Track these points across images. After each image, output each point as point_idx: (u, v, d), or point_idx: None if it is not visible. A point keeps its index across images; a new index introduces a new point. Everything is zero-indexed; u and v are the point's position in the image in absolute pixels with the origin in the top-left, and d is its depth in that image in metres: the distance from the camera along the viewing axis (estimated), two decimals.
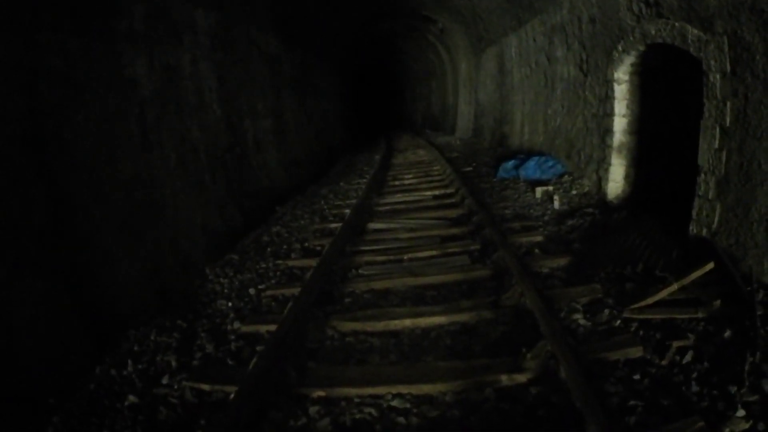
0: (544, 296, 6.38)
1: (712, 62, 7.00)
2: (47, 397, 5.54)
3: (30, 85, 6.29)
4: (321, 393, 5.23)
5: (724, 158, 6.94)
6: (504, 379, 5.17)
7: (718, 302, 6.01)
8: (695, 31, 7.30)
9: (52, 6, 6.69)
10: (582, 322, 6.11)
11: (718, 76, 6.91)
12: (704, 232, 7.16)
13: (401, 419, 4.88)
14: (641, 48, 9.34)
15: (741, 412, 4.54)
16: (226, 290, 8.18)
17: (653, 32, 8.50)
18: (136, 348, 6.48)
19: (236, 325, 6.79)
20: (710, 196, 7.18)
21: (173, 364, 6.02)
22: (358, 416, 4.96)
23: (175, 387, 5.59)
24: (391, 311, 6.79)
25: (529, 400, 4.95)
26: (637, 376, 5.12)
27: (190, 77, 10.57)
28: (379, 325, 6.48)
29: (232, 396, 5.03)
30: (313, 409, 5.06)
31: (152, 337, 6.70)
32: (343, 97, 30.46)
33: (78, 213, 6.80)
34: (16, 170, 5.95)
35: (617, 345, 5.51)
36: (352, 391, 5.25)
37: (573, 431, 4.45)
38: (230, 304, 7.58)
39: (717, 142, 7.04)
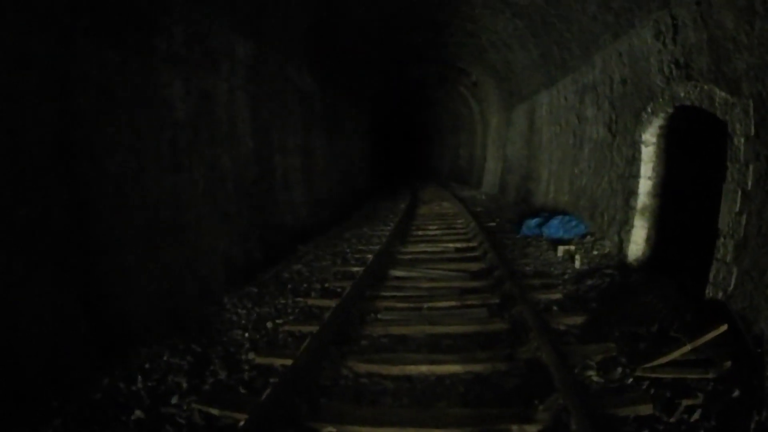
0: (559, 351, 6.41)
1: (737, 125, 7.07)
2: (50, 399, 5.65)
3: (63, 90, 6.36)
4: (331, 429, 5.30)
5: (743, 222, 6.99)
6: (515, 429, 5.22)
7: (728, 363, 6.06)
8: (722, 94, 7.38)
9: (91, 12, 6.77)
10: (595, 378, 6.17)
11: (742, 140, 6.98)
12: (720, 294, 7.19)
13: None
14: (669, 110, 9.43)
15: None
16: (243, 321, 8.28)
17: (682, 94, 8.60)
18: (147, 365, 6.58)
19: (251, 355, 6.86)
20: (728, 260, 7.22)
21: (184, 385, 6.14)
22: None
23: (184, 408, 5.69)
24: (407, 356, 6.83)
25: None
26: None
27: (225, 106, 10.63)
28: (395, 369, 6.52)
29: (242, 423, 5.10)
30: None
31: (164, 357, 6.82)
32: (370, 141, 30.35)
33: (99, 223, 6.89)
34: (40, 174, 6.02)
35: (628, 401, 5.56)
36: (363, 430, 5.31)
37: None
38: (246, 335, 7.66)
39: (738, 205, 7.10)
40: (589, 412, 5.14)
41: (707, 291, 7.48)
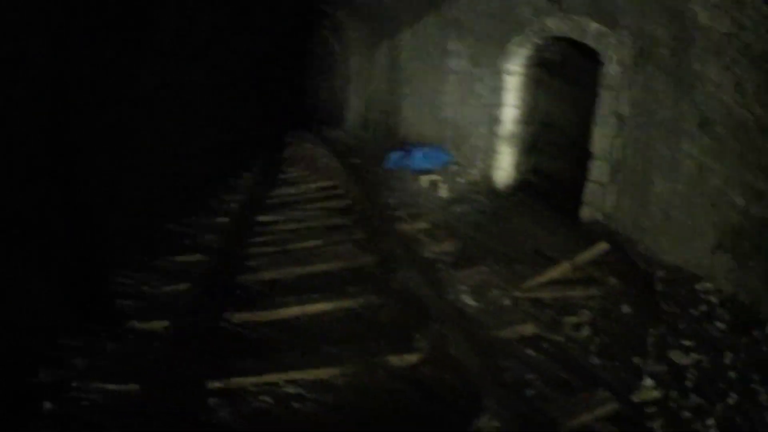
0: (429, 279, 6.30)
1: (613, 55, 7.12)
2: None
3: (57, 87, 6.16)
4: (218, 384, 5.04)
5: (618, 145, 7.07)
6: (395, 360, 5.06)
7: (614, 280, 6.02)
8: (596, 25, 7.40)
9: (86, 10, 6.56)
10: (470, 302, 6.00)
11: (617, 68, 7.05)
12: (598, 215, 7.18)
13: (297, 405, 4.77)
14: (538, 41, 9.38)
15: (649, 382, 4.55)
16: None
17: (552, 26, 8.55)
18: None
19: (133, 323, 6.44)
20: (604, 181, 7.24)
21: None
22: (255, 405, 4.84)
23: None
24: (279, 300, 6.60)
25: (422, 379, 4.86)
26: (532, 352, 5.06)
27: None
28: (269, 315, 6.30)
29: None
30: (212, 401, 4.89)
31: None
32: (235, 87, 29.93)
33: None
34: (34, 169, 5.92)
35: (508, 323, 5.47)
36: (248, 381, 5.09)
37: (469, 407, 4.32)
38: (130, 302, 7.29)
39: (611, 129, 7.17)
40: (467, 336, 5.04)
41: (583, 212, 7.47)
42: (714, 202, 5.95)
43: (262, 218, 10.27)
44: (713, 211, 5.97)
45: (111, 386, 5.14)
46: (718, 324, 5.43)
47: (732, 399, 4.36)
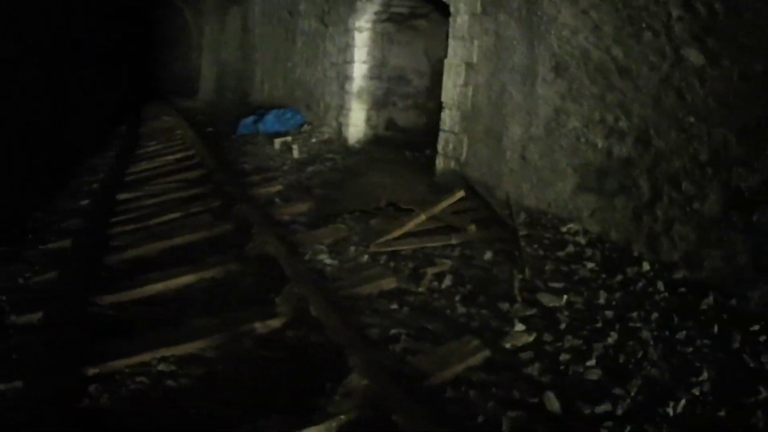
0: (286, 241, 6.33)
1: (461, 5, 7.22)
2: None
3: None
4: (95, 370, 4.89)
5: (470, 93, 7.16)
6: (259, 327, 5.05)
7: (473, 227, 6.08)
8: None
9: None
10: (328, 261, 6.06)
11: (466, 17, 7.13)
12: (452, 164, 7.24)
13: (171, 382, 4.71)
14: None
15: (520, 327, 4.59)
16: None
17: None
18: None
19: (12, 318, 6.25)
20: (456, 130, 7.30)
21: None
22: (132, 386, 4.73)
23: None
24: (143, 278, 6.47)
25: (288, 343, 4.86)
26: (395, 306, 5.09)
27: None
28: (135, 293, 6.17)
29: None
30: (91, 388, 4.71)
31: None
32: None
33: None
34: None
35: (368, 279, 5.49)
36: (122, 363, 4.96)
37: (336, 366, 4.35)
38: (4, 297, 7.14)
39: (462, 78, 7.25)
40: (327, 296, 5.07)
41: (438, 162, 7.52)
42: (573, 144, 6.07)
43: (122, 196, 10.13)
44: (573, 154, 6.08)
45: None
46: (589, 264, 5.54)
47: (612, 338, 4.42)
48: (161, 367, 4.90)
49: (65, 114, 12.85)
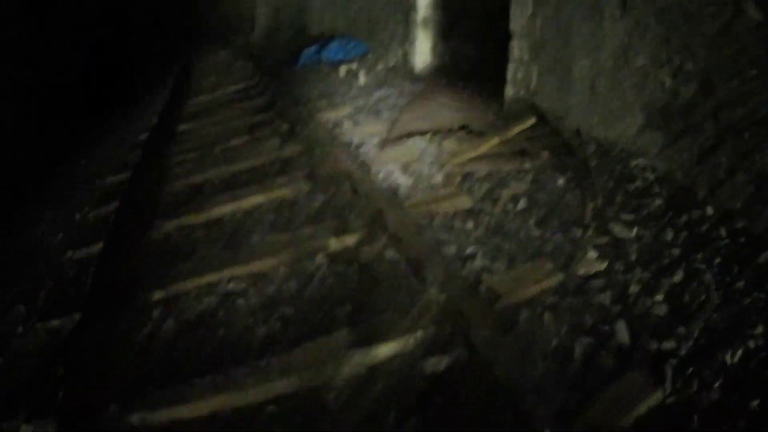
0: (358, 161, 6.26)
1: None
2: None
3: None
4: (160, 294, 4.95)
5: (538, 23, 6.97)
6: (332, 243, 5.02)
7: (546, 153, 5.96)
8: None
9: None
10: (402, 180, 5.98)
11: None
12: (522, 93, 7.16)
13: (241, 301, 4.72)
14: None
15: (593, 254, 4.51)
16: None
17: None
18: None
19: (68, 253, 6.33)
20: (525, 59, 7.15)
21: None
22: (199, 308, 4.77)
23: None
24: (211, 200, 6.54)
25: (362, 259, 4.83)
26: (470, 225, 5.02)
27: None
28: (202, 217, 6.22)
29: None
30: (155, 313, 4.81)
31: None
32: None
33: None
34: None
35: (443, 198, 5.42)
36: (188, 285, 5.01)
37: (414, 282, 4.33)
38: (60, 234, 7.15)
39: (531, 8, 7.05)
40: (402, 213, 5.01)
41: (507, 91, 7.41)
42: (640, 81, 5.93)
43: (183, 127, 10.14)
44: (640, 91, 5.94)
45: (55, 322, 5.07)
46: (656, 201, 5.42)
47: (678, 276, 4.28)
48: (231, 286, 4.91)
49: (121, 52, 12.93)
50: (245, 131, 8.87)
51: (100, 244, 5.94)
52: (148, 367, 4.29)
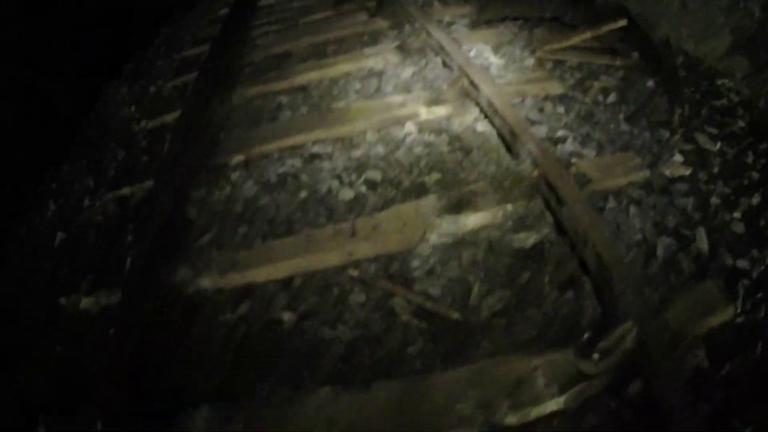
0: (450, 37, 6.08)
1: None
2: None
3: None
4: (240, 157, 5.00)
5: None
6: (423, 112, 4.97)
7: (636, 54, 5.86)
8: None
9: None
10: (493, 60, 5.86)
11: None
12: None
13: (326, 163, 4.73)
14: None
15: (678, 158, 4.46)
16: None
17: None
18: None
19: (142, 123, 6.42)
20: None
21: None
22: (281, 170, 4.78)
23: None
24: (294, 68, 6.49)
25: (452, 130, 4.80)
26: (561, 110, 4.96)
27: None
28: (284, 84, 6.19)
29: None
30: (234, 176, 4.85)
31: None
32: None
33: None
34: None
35: (534, 80, 5.34)
36: (271, 147, 5.03)
37: (502, 154, 4.36)
38: (134, 106, 7.15)
39: None
40: (493, 90, 4.86)
41: None
42: (731, 5, 5.83)
43: (263, 2, 10.04)
44: (730, 14, 5.84)
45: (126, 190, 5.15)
46: (740, 122, 5.34)
47: (756, 199, 4.21)
48: (316, 149, 4.90)
49: None
50: (330, 5, 8.73)
51: (176, 113, 5.97)
52: (223, 229, 4.34)
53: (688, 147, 4.60)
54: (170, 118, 6.11)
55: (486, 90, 4.81)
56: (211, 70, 6.75)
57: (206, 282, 3.80)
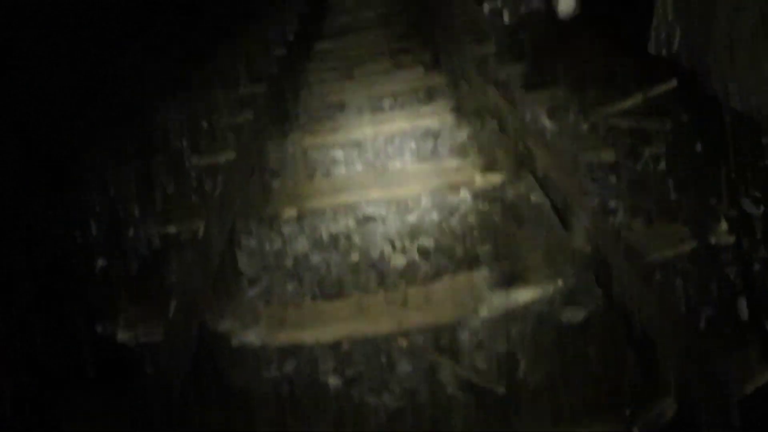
0: (506, 99, 6.13)
1: None
2: None
3: None
4: (292, 211, 5.03)
5: None
6: (478, 179, 5.01)
7: (685, 116, 5.89)
8: None
9: None
10: (548, 125, 5.91)
11: None
12: (664, 52, 7.02)
13: (380, 226, 4.77)
14: None
15: (724, 225, 4.42)
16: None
17: None
18: None
19: (194, 159, 6.49)
20: (670, 18, 6.96)
21: None
22: (334, 229, 4.81)
23: None
24: (350, 121, 6.61)
25: (506, 198, 4.85)
26: (613, 180, 5.00)
27: None
28: (340, 137, 6.30)
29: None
30: (286, 229, 4.89)
31: None
32: None
33: None
34: None
35: (588, 147, 5.38)
36: (324, 204, 5.08)
37: (555, 225, 4.40)
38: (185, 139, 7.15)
39: None
40: (548, 158, 4.91)
41: (650, 47, 7.28)
42: None
43: (321, 46, 10.17)
44: None
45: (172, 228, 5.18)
46: None
47: None
48: (370, 209, 4.95)
49: None
50: (388, 56, 8.86)
51: (230, 153, 6.00)
52: (273, 283, 4.36)
53: (733, 213, 4.58)
54: (223, 158, 6.13)
55: (541, 158, 4.86)
56: (268, 114, 6.83)
57: (253, 336, 3.82)
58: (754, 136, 5.72)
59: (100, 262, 5.05)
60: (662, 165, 5.24)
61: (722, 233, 4.35)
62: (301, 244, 4.67)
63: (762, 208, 4.70)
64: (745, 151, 5.57)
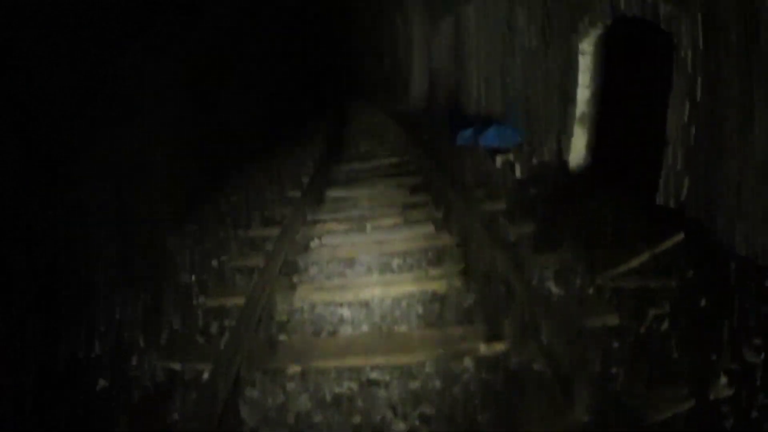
0: (514, 263, 6.17)
1: (684, 38, 6.93)
2: None
3: None
4: (297, 368, 5.10)
5: (693, 131, 6.90)
6: (482, 348, 5.07)
7: (691, 272, 5.96)
8: (668, 7, 7.19)
9: None
10: (554, 290, 6.02)
11: (689, 52, 6.85)
12: (672, 202, 7.11)
13: (382, 392, 4.81)
14: (608, 21, 9.14)
15: (724, 379, 4.51)
16: None
17: (622, 5, 8.34)
18: None
19: (201, 299, 6.63)
20: (678, 168, 7.12)
21: None
22: (337, 390, 4.87)
23: None
24: (359, 280, 6.70)
25: (509, 367, 4.89)
26: (616, 344, 5.07)
27: None
28: (348, 295, 6.35)
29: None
30: (290, 386, 4.95)
31: None
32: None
33: None
34: None
35: (593, 312, 5.44)
36: (329, 364, 5.14)
37: (557, 396, 4.38)
38: (194, 277, 7.39)
39: (686, 115, 7.00)
40: (552, 326, 4.97)
41: (658, 198, 7.39)
42: None
43: (334, 194, 10.27)
44: None
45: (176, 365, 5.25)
46: None
47: None
48: (374, 375, 5.06)
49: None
50: (398, 212, 9.00)
51: (238, 299, 6.10)
52: None
53: (733, 365, 4.67)
54: (231, 302, 6.27)
55: (544, 328, 4.93)
56: (278, 261, 6.89)
57: None
58: (758, 280, 5.79)
59: (102, 383, 5.18)
60: (665, 325, 5.32)
61: (721, 388, 4.45)
62: (304, 402, 4.75)
63: (763, 355, 4.76)
64: (749, 297, 5.63)
